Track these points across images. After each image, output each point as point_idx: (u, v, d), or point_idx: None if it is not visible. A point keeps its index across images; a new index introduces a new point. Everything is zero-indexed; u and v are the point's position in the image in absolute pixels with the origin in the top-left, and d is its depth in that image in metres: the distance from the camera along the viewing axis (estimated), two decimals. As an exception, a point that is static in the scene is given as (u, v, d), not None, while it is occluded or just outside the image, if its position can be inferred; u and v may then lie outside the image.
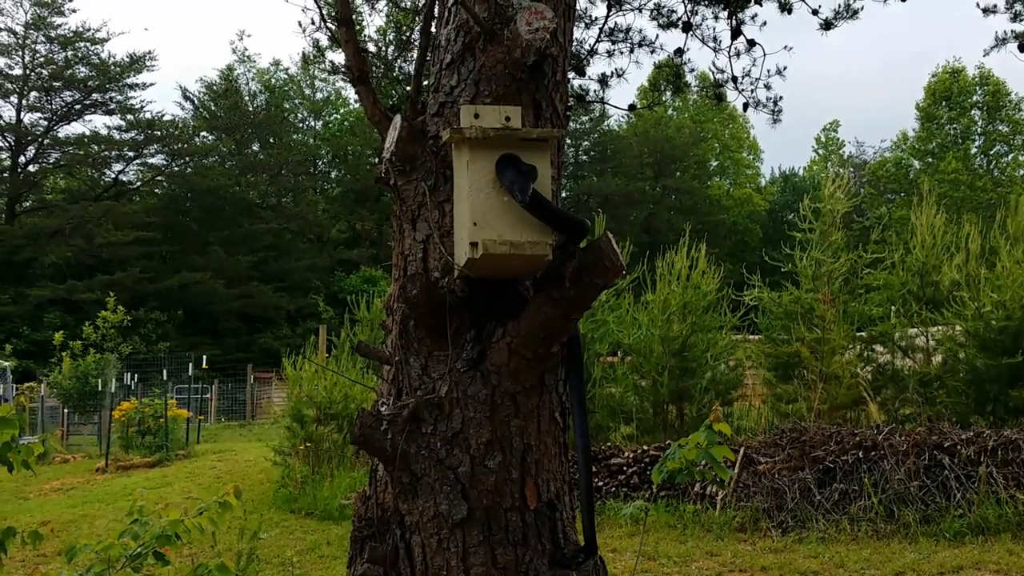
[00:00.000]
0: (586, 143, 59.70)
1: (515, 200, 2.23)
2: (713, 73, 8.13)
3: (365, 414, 2.46)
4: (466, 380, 2.41)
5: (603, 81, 8.08)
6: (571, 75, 7.86)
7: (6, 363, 26.75)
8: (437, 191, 2.54)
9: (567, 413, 2.56)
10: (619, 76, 7.92)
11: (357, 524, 2.67)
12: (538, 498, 2.43)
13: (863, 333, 13.05)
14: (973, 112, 55.05)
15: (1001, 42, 7.89)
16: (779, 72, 7.98)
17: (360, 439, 2.45)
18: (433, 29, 3.05)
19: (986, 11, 7.94)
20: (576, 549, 2.47)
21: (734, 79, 8.02)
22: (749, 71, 8.04)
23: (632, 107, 8.65)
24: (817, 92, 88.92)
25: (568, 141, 56.37)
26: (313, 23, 7.86)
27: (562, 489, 2.52)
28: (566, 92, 2.80)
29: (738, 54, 7.94)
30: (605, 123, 58.95)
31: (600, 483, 11.10)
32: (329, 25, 7.04)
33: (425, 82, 3.05)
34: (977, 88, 54.55)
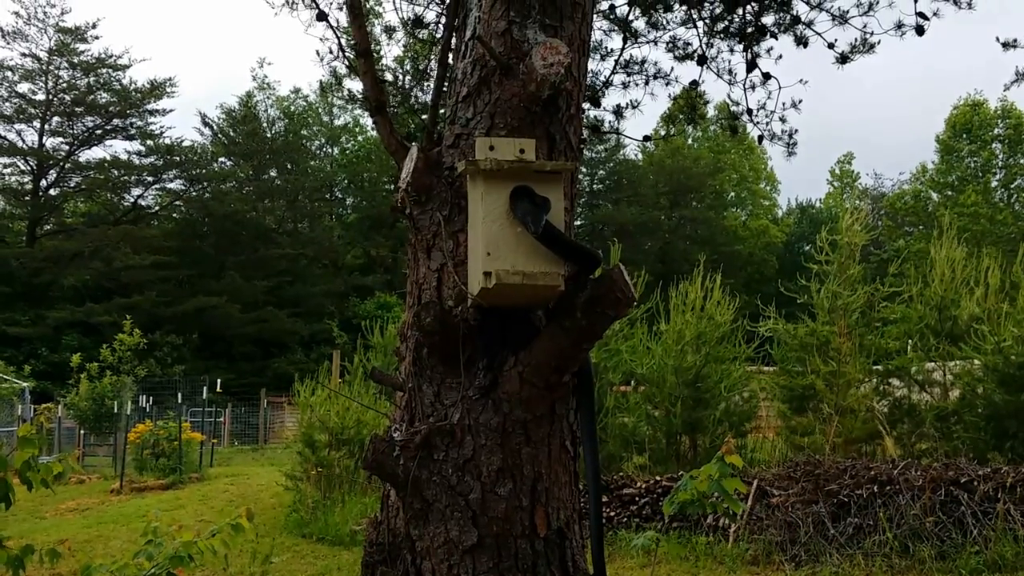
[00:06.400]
0: (601, 172, 59.87)
1: (528, 231, 2.26)
2: (728, 105, 8.18)
3: (378, 440, 2.49)
4: (478, 407, 2.44)
5: (618, 112, 8.14)
6: (586, 106, 7.93)
7: (24, 384, 26.91)
8: (452, 221, 2.58)
9: (578, 442, 2.58)
10: (634, 107, 7.96)
11: (368, 549, 2.68)
12: (548, 526, 2.45)
13: (879, 367, 12.99)
14: (994, 145, 54.88)
15: (1021, 76, 7.89)
16: (794, 105, 8.02)
17: (372, 464, 2.47)
18: (450, 61, 3.10)
19: (1006, 45, 7.95)
20: (585, 578, 2.49)
21: (749, 111, 8.06)
22: (764, 104, 8.09)
23: (647, 138, 8.70)
24: (837, 124, 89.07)
25: (583, 170, 56.56)
26: (331, 52, 7.97)
27: (572, 517, 2.54)
28: (580, 125, 2.84)
29: (753, 87, 7.99)
30: (621, 152, 59.17)
31: (612, 513, 11.05)
32: (347, 55, 7.13)
33: (441, 112, 3.09)
34: (999, 121, 54.40)
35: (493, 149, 2.39)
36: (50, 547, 3.96)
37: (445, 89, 3.12)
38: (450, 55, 3.15)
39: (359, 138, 59.29)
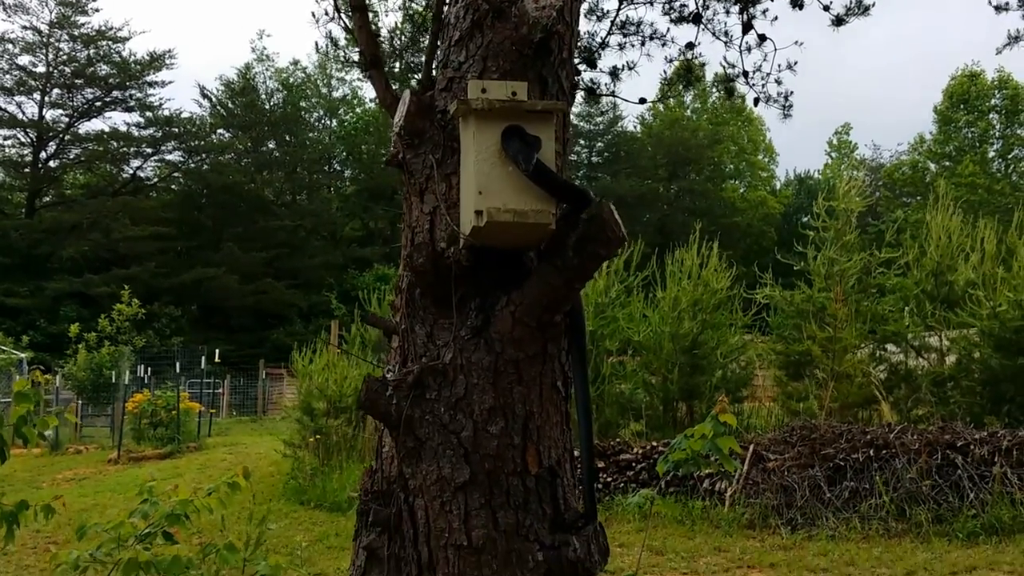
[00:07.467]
0: (600, 144, 59.78)
1: (519, 169, 2.26)
2: (724, 68, 8.16)
3: (371, 380, 2.50)
4: (470, 347, 2.44)
5: (614, 74, 8.11)
6: (583, 68, 7.91)
7: (22, 354, 26.92)
8: (444, 164, 2.57)
9: (569, 383, 2.59)
10: (630, 69, 7.94)
11: (364, 497, 2.70)
12: (539, 464, 2.46)
13: (876, 333, 13.04)
14: (991, 116, 54.79)
15: (1014, 40, 7.88)
16: (790, 67, 7.99)
17: (366, 404, 2.49)
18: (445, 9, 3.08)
19: (999, 8, 7.93)
20: (576, 515, 2.50)
21: (745, 74, 8.04)
22: (760, 66, 8.07)
23: (643, 100, 8.67)
24: (835, 96, 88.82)
25: (582, 142, 56.46)
26: (327, 14, 7.92)
27: (563, 457, 2.55)
28: (572, 69, 2.83)
29: (749, 49, 7.96)
30: (619, 124, 59.07)
31: (609, 479, 11.11)
32: (343, 16, 7.09)
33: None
34: (996, 92, 54.30)
35: (485, 91, 2.38)
36: (44, 504, 3.94)
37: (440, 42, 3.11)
38: (445, 7, 3.13)
39: (357, 110, 59.18)
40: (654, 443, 11.42)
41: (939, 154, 55.76)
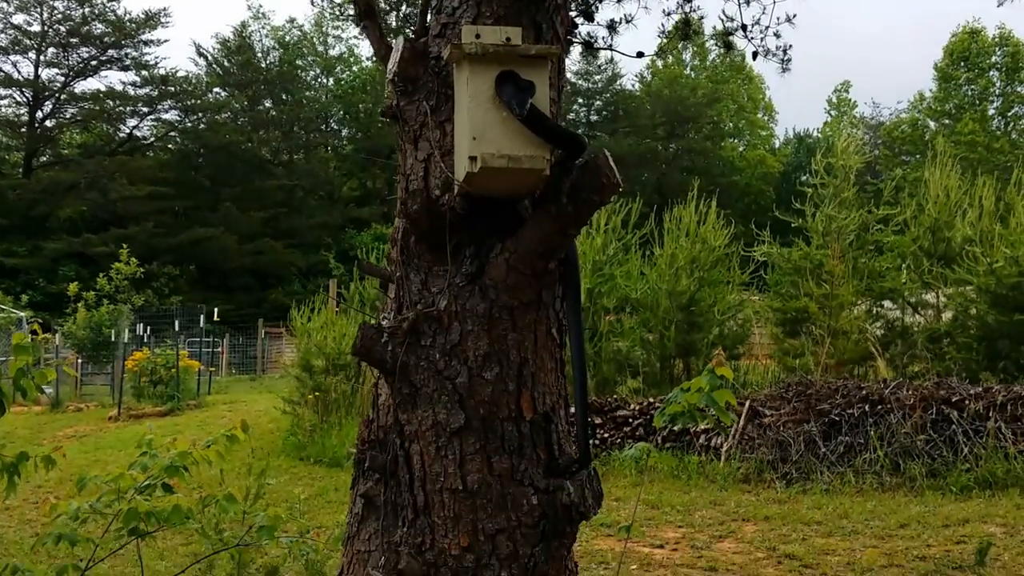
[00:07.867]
0: (598, 103, 59.38)
1: (513, 114, 2.25)
2: (723, 21, 8.10)
3: (367, 327, 2.51)
4: (465, 294, 2.45)
5: (612, 27, 8.04)
6: (580, 21, 7.84)
7: (22, 314, 26.94)
8: (438, 111, 2.56)
9: (564, 331, 2.60)
10: (628, 22, 7.87)
11: (360, 447, 2.72)
12: (534, 410, 2.48)
13: (873, 289, 13.07)
14: (991, 73, 54.43)
15: (1014, -8, 7.79)
16: (788, 20, 7.93)
17: (361, 351, 2.50)
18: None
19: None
20: (570, 460, 2.52)
21: (743, 27, 7.97)
22: (759, 19, 8.00)
23: (640, 54, 8.60)
24: (835, 55, 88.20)
25: (580, 100, 56.08)
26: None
27: (558, 403, 2.57)
28: (567, 16, 2.81)
29: (748, 1, 7.90)
30: (618, 83, 58.66)
31: (606, 435, 11.18)
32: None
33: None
34: (996, 49, 53.90)
35: (479, 37, 2.37)
36: (45, 455, 3.96)
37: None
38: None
39: (354, 68, 58.75)
40: (651, 400, 11.48)
41: (939, 112, 55.45)
